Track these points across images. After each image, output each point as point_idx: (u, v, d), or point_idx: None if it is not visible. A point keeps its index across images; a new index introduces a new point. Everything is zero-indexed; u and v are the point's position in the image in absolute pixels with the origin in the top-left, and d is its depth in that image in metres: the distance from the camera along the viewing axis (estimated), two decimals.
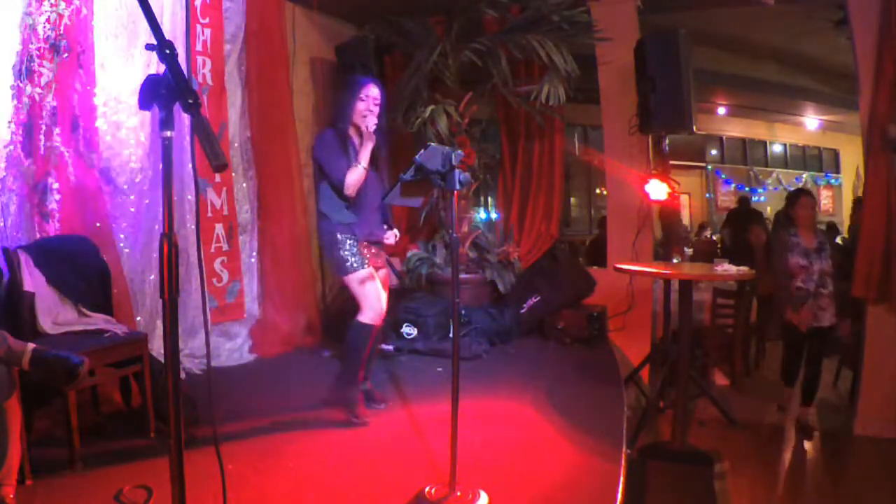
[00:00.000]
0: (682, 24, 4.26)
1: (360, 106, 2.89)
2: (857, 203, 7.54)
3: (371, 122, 2.87)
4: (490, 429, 2.88)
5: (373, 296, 2.89)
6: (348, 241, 2.88)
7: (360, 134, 2.90)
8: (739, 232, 7.00)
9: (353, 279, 2.89)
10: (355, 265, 2.87)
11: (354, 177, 2.84)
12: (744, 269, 3.63)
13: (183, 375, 3.53)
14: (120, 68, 3.34)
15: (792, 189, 5.37)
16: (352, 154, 2.89)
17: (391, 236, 3.08)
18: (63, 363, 2.09)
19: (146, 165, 3.53)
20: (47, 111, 2.94)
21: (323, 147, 2.90)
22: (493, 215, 5.90)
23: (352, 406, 2.93)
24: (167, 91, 1.22)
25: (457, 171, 2.21)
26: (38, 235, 2.91)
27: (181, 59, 1.23)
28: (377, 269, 3.02)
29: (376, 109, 2.91)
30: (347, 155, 2.88)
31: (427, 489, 2.23)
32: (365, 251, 2.93)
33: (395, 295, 4.84)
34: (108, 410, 2.96)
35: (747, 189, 11.93)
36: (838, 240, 7.83)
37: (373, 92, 2.91)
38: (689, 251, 7.47)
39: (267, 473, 2.40)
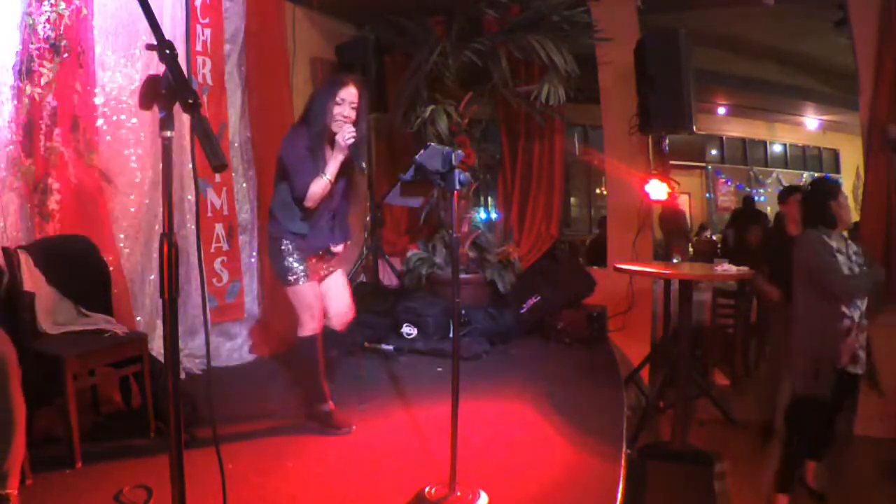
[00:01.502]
0: (682, 24, 4.26)
1: (336, 109, 2.63)
2: None
3: (348, 134, 2.59)
4: (490, 429, 2.88)
5: (312, 309, 2.78)
6: (295, 253, 2.72)
7: (333, 140, 2.65)
8: (742, 232, 7.00)
9: (292, 291, 2.76)
10: (298, 279, 2.73)
11: (318, 189, 2.62)
12: (744, 269, 3.63)
13: (183, 375, 3.53)
14: (120, 68, 3.35)
15: (815, 179, 3.87)
16: (321, 162, 2.66)
17: (340, 247, 2.90)
18: None
19: (146, 165, 3.53)
20: (47, 111, 2.94)
21: (292, 149, 2.66)
22: (493, 215, 5.91)
23: (328, 420, 2.82)
24: (167, 91, 1.22)
25: (457, 171, 2.20)
26: (38, 235, 2.91)
27: (181, 59, 1.23)
28: (329, 273, 2.90)
29: (353, 114, 2.66)
30: (316, 162, 2.65)
31: (427, 489, 2.23)
32: (312, 260, 2.80)
33: (394, 295, 4.87)
34: (108, 410, 2.96)
35: (748, 189, 11.92)
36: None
37: (349, 94, 2.65)
38: (689, 251, 7.48)
39: (267, 473, 2.40)
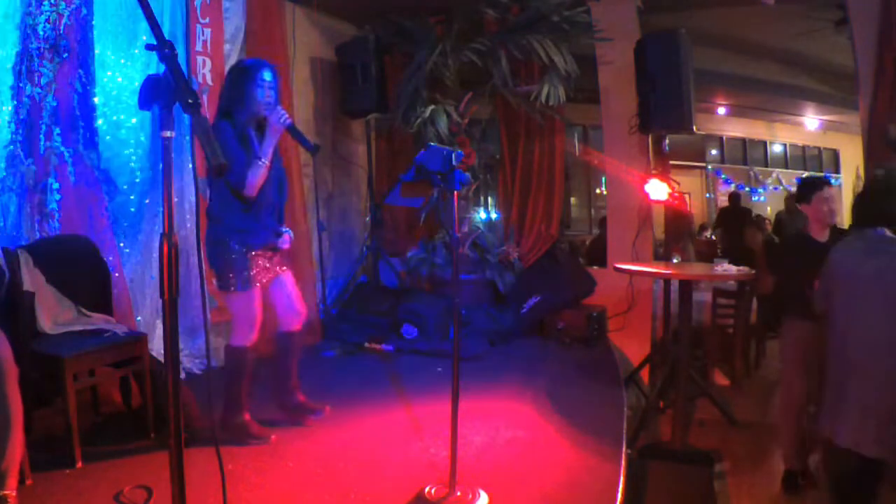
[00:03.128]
0: (682, 24, 4.26)
1: (259, 93, 2.59)
2: None
3: (283, 115, 2.58)
4: (490, 429, 2.88)
5: (248, 318, 2.65)
6: (240, 254, 2.60)
7: (260, 126, 2.62)
8: (733, 232, 6.94)
9: (234, 297, 2.64)
10: (239, 285, 2.60)
11: (257, 175, 2.54)
12: (744, 269, 3.63)
13: (183, 375, 3.53)
14: (120, 68, 3.35)
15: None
16: (251, 148, 2.58)
17: (286, 241, 2.79)
18: None
19: (146, 165, 3.53)
20: (47, 111, 2.94)
21: (222, 143, 2.45)
22: (493, 215, 5.91)
23: (242, 431, 2.68)
24: (167, 91, 1.22)
25: (457, 171, 2.21)
26: (38, 235, 2.91)
27: (181, 59, 1.24)
28: (277, 275, 2.78)
29: (274, 95, 2.63)
30: (247, 150, 2.57)
31: (427, 489, 2.23)
32: (259, 262, 2.67)
33: (395, 295, 4.87)
34: (108, 410, 2.96)
35: (747, 189, 11.91)
36: None
37: (267, 76, 2.62)
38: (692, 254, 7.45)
39: (267, 473, 2.39)
